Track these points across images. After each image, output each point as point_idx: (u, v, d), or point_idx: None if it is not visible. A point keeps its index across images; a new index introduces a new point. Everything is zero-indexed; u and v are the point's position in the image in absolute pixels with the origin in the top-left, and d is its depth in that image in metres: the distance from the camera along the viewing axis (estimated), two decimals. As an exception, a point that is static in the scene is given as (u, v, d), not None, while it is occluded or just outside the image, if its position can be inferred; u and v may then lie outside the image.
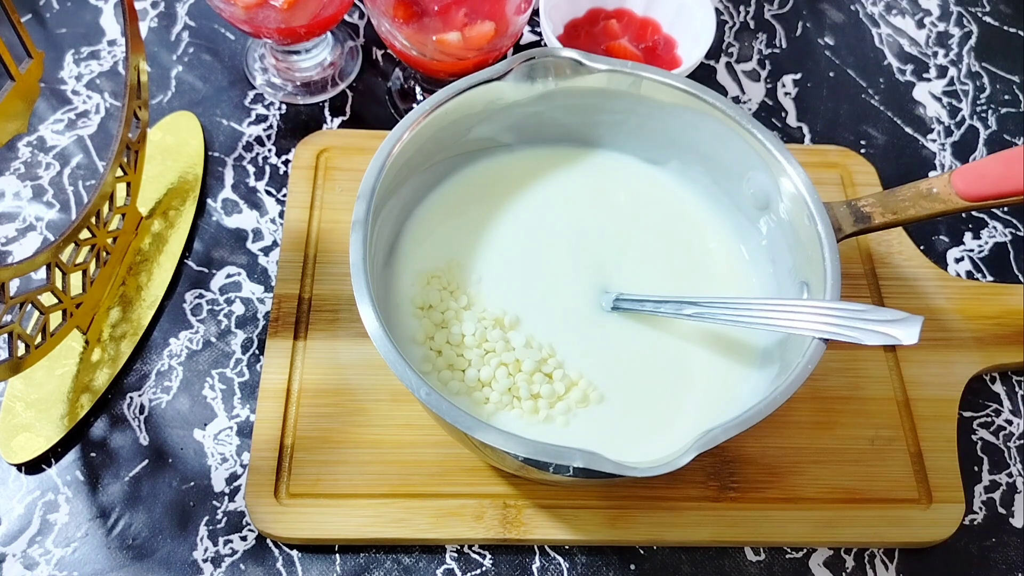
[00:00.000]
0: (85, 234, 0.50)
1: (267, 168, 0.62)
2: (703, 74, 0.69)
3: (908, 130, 0.68)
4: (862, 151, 0.66)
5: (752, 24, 0.73)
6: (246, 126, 0.64)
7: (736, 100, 0.68)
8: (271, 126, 0.64)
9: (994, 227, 0.63)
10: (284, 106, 0.65)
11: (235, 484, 0.50)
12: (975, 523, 0.52)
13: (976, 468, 0.54)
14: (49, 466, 0.50)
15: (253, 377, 0.54)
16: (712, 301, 0.47)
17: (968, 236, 0.63)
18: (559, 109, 0.52)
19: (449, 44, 0.56)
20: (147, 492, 0.50)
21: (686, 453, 0.38)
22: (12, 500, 0.49)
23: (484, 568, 0.49)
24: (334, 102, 0.65)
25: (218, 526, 0.49)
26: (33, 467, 0.50)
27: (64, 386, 0.52)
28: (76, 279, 0.51)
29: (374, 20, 0.58)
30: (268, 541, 0.49)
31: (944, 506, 0.50)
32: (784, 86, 0.69)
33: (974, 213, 0.64)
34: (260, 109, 0.65)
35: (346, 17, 0.70)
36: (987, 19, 0.75)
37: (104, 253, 0.53)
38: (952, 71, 0.71)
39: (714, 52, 0.71)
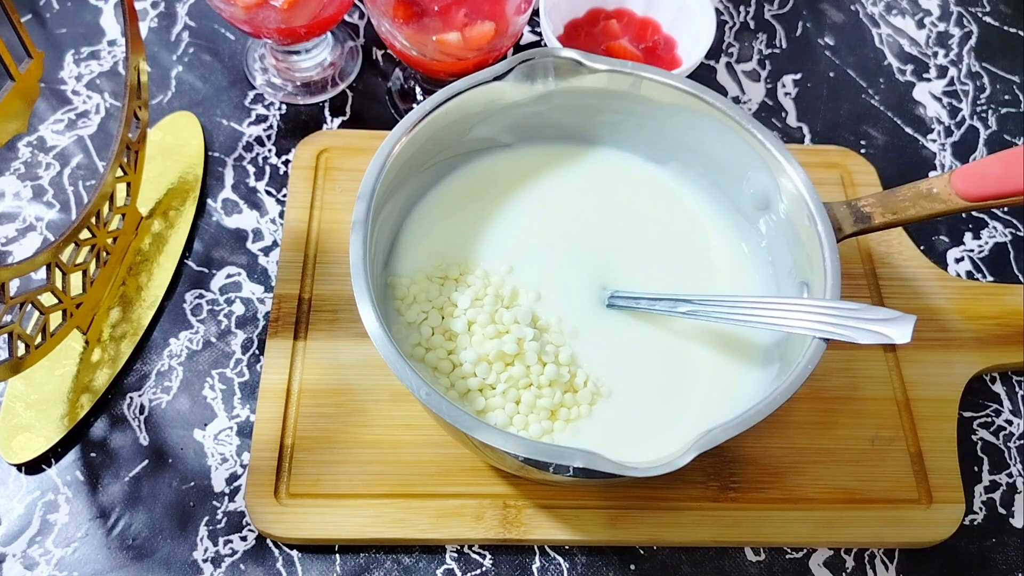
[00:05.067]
0: (85, 234, 0.50)
1: (267, 168, 0.62)
2: (703, 74, 0.69)
3: (908, 130, 0.68)
4: (862, 151, 0.66)
5: (752, 24, 0.73)
6: (246, 126, 0.64)
7: (736, 100, 0.68)
8: (271, 126, 0.64)
9: (994, 227, 0.63)
10: (284, 106, 0.65)
11: (235, 484, 0.50)
12: (975, 523, 0.52)
13: (976, 468, 0.54)
14: (49, 466, 0.50)
15: (253, 377, 0.54)
16: (707, 299, 0.47)
17: (968, 236, 0.63)
18: (559, 109, 0.52)
19: (449, 44, 0.56)
20: (147, 492, 0.50)
21: (686, 453, 0.38)
22: (12, 500, 0.49)
23: (484, 568, 0.49)
24: (334, 102, 0.65)
25: (218, 526, 0.49)
26: (33, 467, 0.50)
27: (64, 386, 0.52)
28: (76, 279, 0.51)
29: (374, 20, 0.58)
30: (268, 541, 0.49)
31: (944, 506, 0.50)
32: (784, 86, 0.69)
33: (974, 213, 0.64)
34: (260, 109, 0.65)
35: (346, 17, 0.70)
36: (987, 19, 0.75)
37: (104, 253, 0.53)
38: (952, 71, 0.71)
39: (714, 52, 0.71)
